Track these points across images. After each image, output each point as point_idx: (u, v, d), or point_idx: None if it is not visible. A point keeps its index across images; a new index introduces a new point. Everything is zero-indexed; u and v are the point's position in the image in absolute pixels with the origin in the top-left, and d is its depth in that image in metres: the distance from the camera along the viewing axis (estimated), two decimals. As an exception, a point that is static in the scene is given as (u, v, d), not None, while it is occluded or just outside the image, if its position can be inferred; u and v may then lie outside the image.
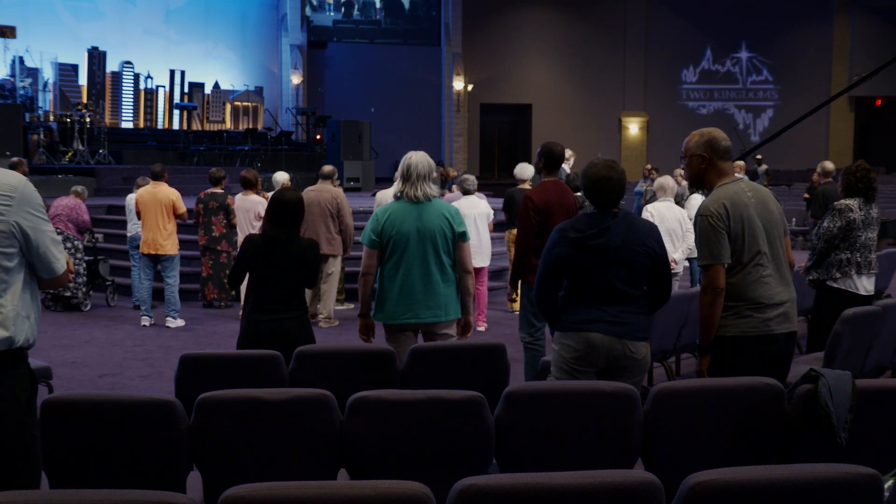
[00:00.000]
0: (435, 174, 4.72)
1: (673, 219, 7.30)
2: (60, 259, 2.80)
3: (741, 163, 13.77)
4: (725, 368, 3.75)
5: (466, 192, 9.14)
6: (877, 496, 2.26)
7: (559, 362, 3.90)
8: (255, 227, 8.81)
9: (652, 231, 3.92)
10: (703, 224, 3.79)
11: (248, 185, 9.13)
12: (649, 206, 7.48)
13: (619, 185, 3.85)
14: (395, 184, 4.80)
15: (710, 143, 3.89)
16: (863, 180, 5.63)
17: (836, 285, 5.57)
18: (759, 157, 20.55)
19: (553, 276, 3.88)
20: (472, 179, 9.42)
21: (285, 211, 4.62)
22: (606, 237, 3.77)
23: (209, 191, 9.63)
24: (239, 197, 9.20)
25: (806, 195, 14.17)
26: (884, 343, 5.08)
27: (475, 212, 8.94)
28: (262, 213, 8.78)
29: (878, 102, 28.29)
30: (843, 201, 5.62)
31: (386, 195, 9.39)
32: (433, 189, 4.66)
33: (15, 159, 10.69)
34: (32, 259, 2.74)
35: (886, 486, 2.46)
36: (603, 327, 3.78)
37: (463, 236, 4.66)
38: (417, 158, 4.63)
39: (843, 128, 28.12)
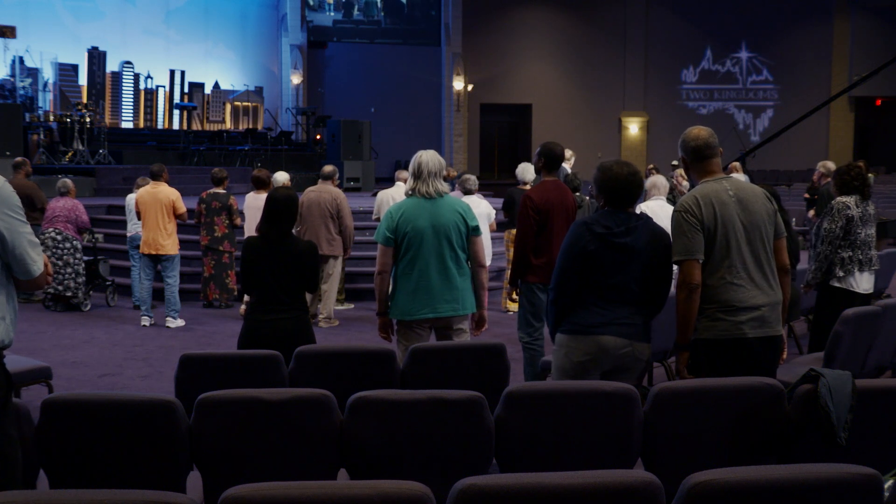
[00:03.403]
0: (444, 171, 4.76)
1: (665, 217, 7.20)
2: (38, 261, 2.77)
3: (736, 164, 13.74)
4: (703, 371, 3.75)
5: (467, 192, 9.14)
6: (877, 496, 2.26)
7: (565, 367, 3.82)
8: None
9: (667, 235, 3.91)
10: (677, 219, 3.78)
11: (261, 185, 9.14)
12: (642, 206, 7.39)
13: (641, 183, 3.91)
14: (401, 183, 4.83)
15: (681, 144, 3.91)
16: (857, 178, 5.63)
17: (837, 285, 5.56)
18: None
19: (576, 269, 3.79)
20: (473, 179, 9.43)
21: (278, 209, 4.65)
22: (633, 236, 3.76)
23: (211, 191, 9.63)
24: (251, 196, 9.22)
25: (806, 195, 14.19)
26: (884, 343, 5.08)
27: (476, 211, 8.91)
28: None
29: (878, 102, 28.26)
30: (839, 199, 5.61)
31: (388, 195, 9.40)
32: (444, 186, 4.71)
33: (18, 159, 10.70)
34: (9, 260, 2.72)
35: (886, 486, 2.46)
36: (616, 329, 3.75)
37: (476, 230, 4.72)
38: (428, 156, 4.70)
39: (843, 128, 28.10)
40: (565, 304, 3.86)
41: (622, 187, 3.81)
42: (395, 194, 9.26)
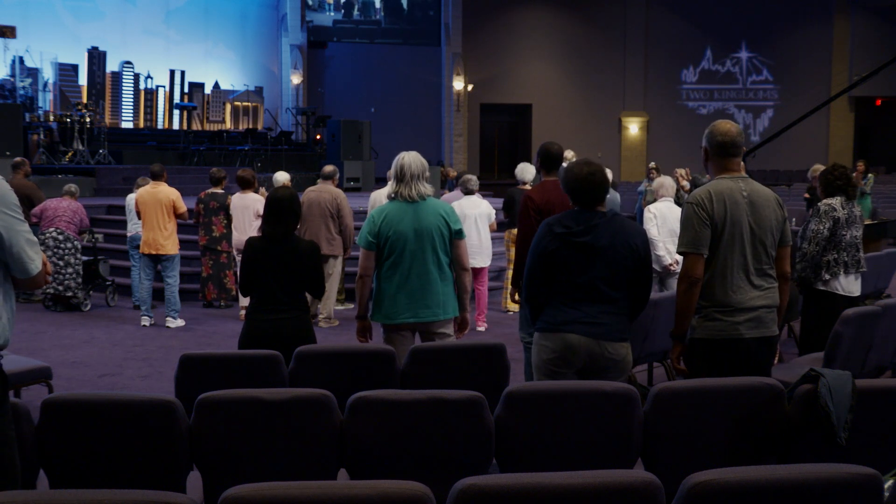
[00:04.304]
0: (428, 173, 4.72)
1: (674, 219, 7.27)
2: (35, 260, 2.75)
3: (742, 163, 13.72)
4: (698, 370, 3.76)
5: (468, 193, 9.15)
6: (877, 496, 2.26)
7: (538, 364, 3.90)
8: (254, 226, 8.85)
9: (639, 232, 3.89)
10: (688, 211, 3.79)
11: (246, 185, 9.15)
12: (651, 207, 7.44)
13: (603, 181, 3.83)
14: (389, 184, 4.80)
15: (708, 135, 3.89)
16: (841, 178, 5.63)
17: (822, 288, 5.55)
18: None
19: (540, 269, 3.86)
20: (474, 179, 9.43)
21: (280, 209, 4.64)
22: (593, 235, 3.76)
23: (210, 191, 9.63)
24: (237, 196, 9.22)
25: (806, 195, 14.22)
26: (884, 343, 5.07)
27: (476, 212, 8.94)
28: (262, 211, 8.84)
29: (878, 102, 28.27)
30: (825, 201, 5.61)
31: (380, 195, 9.40)
32: (427, 188, 4.66)
33: (17, 160, 10.72)
34: (6, 259, 2.70)
35: (886, 486, 2.46)
36: (581, 328, 3.77)
37: (459, 234, 4.67)
38: (410, 158, 4.64)
39: (843, 128, 28.11)
40: (536, 302, 3.93)
41: (581, 187, 3.82)
42: (386, 194, 9.24)
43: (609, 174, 11.56)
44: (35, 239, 2.79)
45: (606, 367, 3.79)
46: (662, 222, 7.16)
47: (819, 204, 5.64)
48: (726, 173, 3.84)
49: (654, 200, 7.61)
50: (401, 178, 4.62)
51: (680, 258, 7.21)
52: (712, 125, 3.90)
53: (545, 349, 3.85)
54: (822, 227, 5.52)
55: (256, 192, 9.29)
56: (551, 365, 3.83)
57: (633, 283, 3.83)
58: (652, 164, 16.80)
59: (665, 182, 7.57)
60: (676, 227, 7.25)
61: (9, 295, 2.76)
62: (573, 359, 3.79)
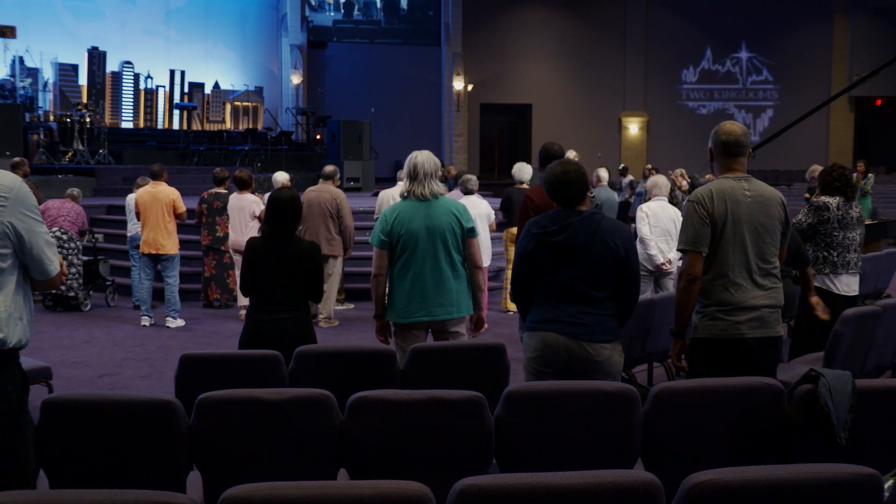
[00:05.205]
0: (440, 172, 4.73)
1: (667, 218, 7.26)
2: (54, 261, 2.78)
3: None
4: (700, 370, 3.76)
5: (468, 192, 9.15)
6: (877, 496, 2.26)
7: (525, 363, 3.93)
8: (250, 226, 8.85)
9: (619, 231, 3.82)
10: (689, 209, 3.81)
11: (243, 185, 9.15)
12: (643, 206, 7.41)
13: (577, 180, 3.80)
14: (402, 183, 4.80)
15: (713, 135, 3.91)
16: (840, 178, 5.63)
17: (815, 284, 5.56)
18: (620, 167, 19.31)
19: (522, 270, 3.90)
20: (473, 179, 9.44)
21: (282, 210, 4.64)
22: (566, 234, 3.75)
23: (213, 190, 9.63)
24: (233, 196, 9.21)
25: (806, 195, 14.26)
26: (884, 343, 5.08)
27: (475, 212, 8.92)
28: (257, 212, 8.86)
29: (878, 102, 28.25)
30: (821, 199, 5.61)
31: (388, 195, 9.42)
32: (440, 187, 4.68)
33: (17, 159, 10.71)
34: (26, 260, 2.72)
35: (886, 486, 2.46)
36: (559, 327, 3.77)
37: (472, 232, 4.68)
38: (423, 157, 4.66)
39: (843, 128, 28.10)
40: (523, 301, 3.97)
41: (554, 187, 3.84)
42: (395, 194, 9.28)
43: (606, 174, 11.52)
44: (53, 240, 2.82)
45: (591, 368, 3.75)
46: (655, 222, 7.14)
47: (814, 200, 5.65)
48: (730, 173, 3.85)
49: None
50: (414, 176, 4.62)
51: (673, 257, 7.27)
52: (718, 126, 3.92)
53: (529, 348, 3.89)
54: (804, 220, 5.52)
55: (254, 193, 9.29)
56: (535, 364, 3.84)
57: (616, 283, 3.79)
58: (621, 166, 16.93)
59: (659, 181, 7.53)
60: (669, 226, 7.23)
61: (28, 296, 2.78)
62: (553, 358, 3.78)
